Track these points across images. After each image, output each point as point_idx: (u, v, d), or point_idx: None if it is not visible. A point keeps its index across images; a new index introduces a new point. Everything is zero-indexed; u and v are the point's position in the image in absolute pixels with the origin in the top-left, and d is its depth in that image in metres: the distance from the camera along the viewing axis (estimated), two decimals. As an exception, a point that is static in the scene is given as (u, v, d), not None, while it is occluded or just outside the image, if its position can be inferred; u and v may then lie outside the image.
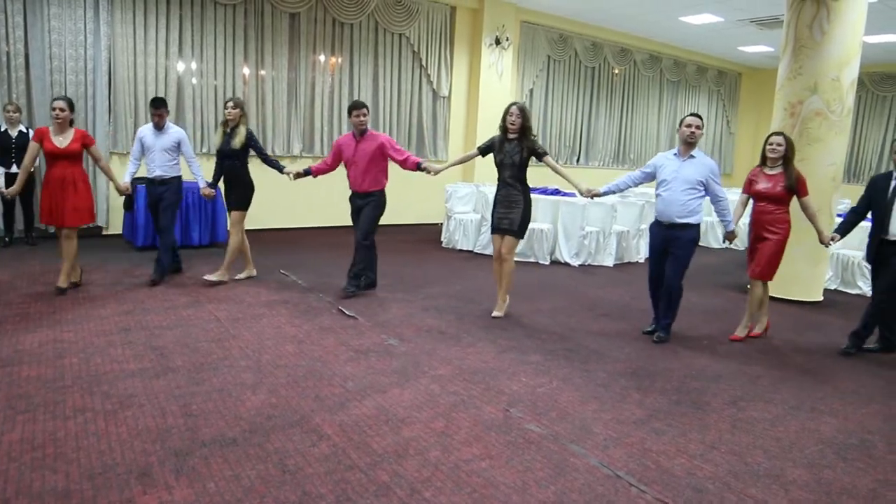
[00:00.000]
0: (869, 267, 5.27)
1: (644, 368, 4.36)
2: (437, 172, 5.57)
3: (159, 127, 5.83)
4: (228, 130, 5.80)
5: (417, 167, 5.60)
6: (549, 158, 5.18)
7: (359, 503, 2.54)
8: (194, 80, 8.53)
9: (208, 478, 2.66)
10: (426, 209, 10.48)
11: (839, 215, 5.17)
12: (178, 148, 5.89)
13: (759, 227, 5.04)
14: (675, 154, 4.88)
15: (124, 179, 5.73)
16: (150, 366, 3.87)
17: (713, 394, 3.97)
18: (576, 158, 12.95)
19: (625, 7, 10.80)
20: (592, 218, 8.13)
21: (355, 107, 5.59)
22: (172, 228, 6.00)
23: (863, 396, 4.10)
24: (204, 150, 8.53)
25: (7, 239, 7.26)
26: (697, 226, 4.81)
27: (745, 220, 5.37)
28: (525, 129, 5.10)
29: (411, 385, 3.80)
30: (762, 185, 5.00)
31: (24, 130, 7.05)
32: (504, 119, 5.15)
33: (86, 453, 2.81)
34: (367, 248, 5.77)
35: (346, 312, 5.24)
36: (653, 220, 5.04)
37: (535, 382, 3.97)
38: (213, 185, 6.02)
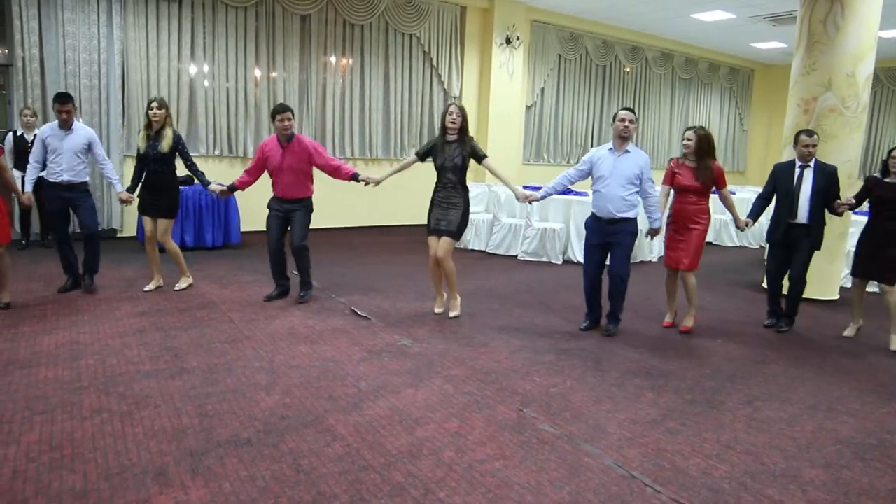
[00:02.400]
0: (767, 246, 5.66)
1: (658, 368, 4.33)
2: (377, 183, 5.35)
3: (66, 125, 5.25)
4: (153, 133, 5.41)
5: (353, 178, 5.36)
6: (488, 161, 5.09)
7: (373, 503, 2.55)
8: (206, 83, 8.59)
9: (223, 478, 2.68)
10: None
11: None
12: (88, 150, 5.36)
13: (683, 218, 5.06)
14: (611, 149, 4.86)
15: (25, 189, 5.26)
16: (166, 367, 3.90)
17: (728, 393, 3.94)
18: (587, 157, 12.91)
19: (636, 4, 10.75)
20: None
21: (279, 111, 5.19)
22: (98, 231, 5.63)
23: (881, 396, 4.05)
24: (216, 153, 8.59)
25: (24, 242, 7.35)
26: (635, 219, 4.87)
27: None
28: (465, 130, 5.01)
29: (425, 385, 3.81)
30: (684, 178, 5.05)
31: (40, 134, 7.11)
32: (443, 119, 5.02)
33: (103, 454, 2.83)
34: (307, 251, 5.47)
35: (359, 313, 5.25)
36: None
37: (549, 382, 3.96)
38: (132, 190, 5.55)
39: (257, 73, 8.97)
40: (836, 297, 6.76)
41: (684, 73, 14.31)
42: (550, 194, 5.18)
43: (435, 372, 4.03)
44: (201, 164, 7.25)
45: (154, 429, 3.09)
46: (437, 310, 5.38)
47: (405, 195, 9.62)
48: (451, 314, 5.31)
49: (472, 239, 8.71)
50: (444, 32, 10.52)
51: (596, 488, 2.75)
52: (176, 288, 5.70)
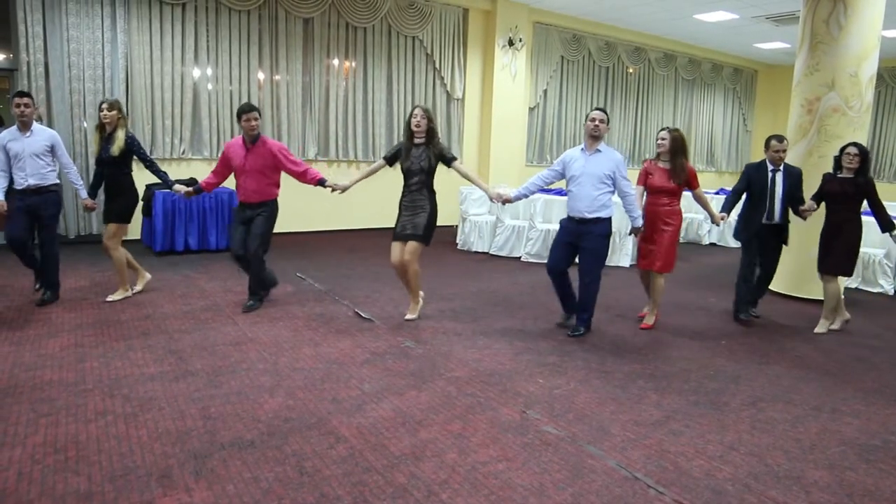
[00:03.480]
0: (738, 243, 5.85)
1: (661, 369, 4.33)
2: (343, 190, 5.26)
3: (24, 127, 4.97)
4: (106, 135, 5.19)
5: (320, 183, 5.22)
6: (458, 164, 5.06)
7: (376, 505, 2.55)
8: (210, 86, 8.62)
9: (227, 480, 2.68)
10: (441, 211, 10.44)
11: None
12: (51, 152, 5.11)
13: (655, 219, 5.13)
14: (582, 149, 4.88)
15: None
16: (170, 369, 3.91)
17: (732, 394, 3.93)
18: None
19: (638, 6, 10.75)
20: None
21: (245, 110, 5.03)
22: (57, 245, 5.30)
23: (886, 397, 4.03)
24: (219, 155, 8.59)
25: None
26: (608, 220, 4.86)
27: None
28: (431, 132, 4.96)
29: (428, 387, 3.81)
30: (656, 179, 5.12)
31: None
32: (408, 123, 4.98)
33: (107, 456, 2.84)
34: (262, 261, 5.26)
35: (362, 315, 5.26)
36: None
37: (552, 384, 3.96)
38: (93, 194, 5.37)
39: (260, 76, 9.00)
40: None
41: (687, 74, 14.29)
42: (525, 195, 5.13)
43: (438, 374, 4.04)
44: (205, 168, 7.30)
45: (158, 431, 3.10)
46: (408, 316, 5.25)
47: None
48: (408, 316, 5.19)
49: (476, 241, 8.71)
50: (446, 35, 10.53)
51: (599, 490, 2.75)
52: (108, 298, 5.39)
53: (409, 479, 2.76)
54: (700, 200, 5.30)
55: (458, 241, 8.98)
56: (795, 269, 6.68)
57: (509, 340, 4.80)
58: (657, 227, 5.12)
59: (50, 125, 7.58)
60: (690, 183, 5.11)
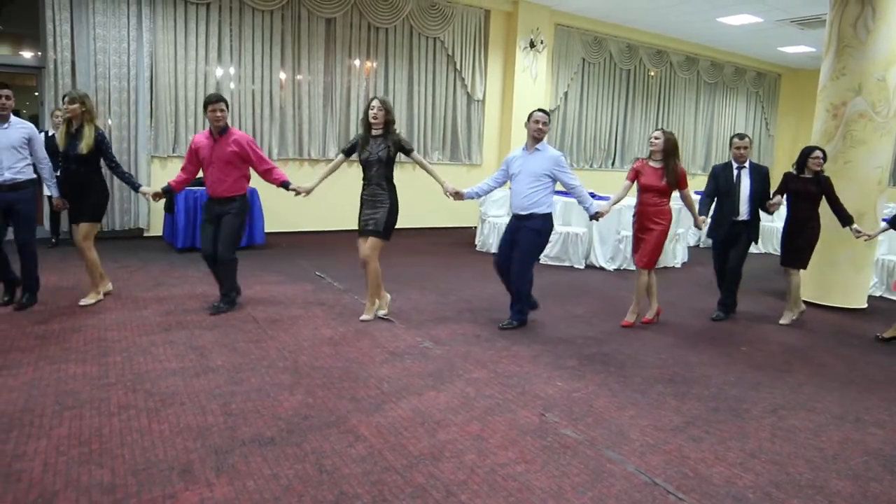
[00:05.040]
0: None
1: (681, 375, 4.29)
2: (308, 192, 5.13)
3: (2, 119, 4.77)
4: (73, 131, 4.95)
5: (284, 185, 5.10)
6: (416, 154, 5.04)
7: (395, 504, 2.56)
8: (232, 85, 8.70)
9: (247, 476, 2.71)
10: (460, 212, 10.47)
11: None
12: (27, 145, 4.88)
13: (645, 217, 5.27)
14: (524, 149, 5.10)
15: None
16: (191, 365, 3.95)
17: (752, 401, 3.89)
18: (611, 162, 12.82)
19: (661, 8, 10.68)
20: (628, 222, 8.02)
21: (211, 101, 4.92)
22: (34, 243, 5.03)
23: (910, 407, 3.97)
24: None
25: (54, 241, 7.49)
26: (544, 216, 4.99)
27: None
28: (389, 124, 4.90)
29: (446, 388, 3.81)
30: (647, 178, 5.23)
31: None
32: (365, 114, 4.92)
33: (130, 449, 2.88)
34: (233, 263, 5.18)
35: (381, 315, 5.27)
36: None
37: (571, 387, 3.95)
38: (62, 192, 5.10)
39: (282, 75, 9.06)
40: (865, 305, 6.64)
41: (709, 78, 14.17)
42: (478, 195, 5.27)
43: (456, 375, 4.04)
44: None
45: (180, 426, 3.13)
46: (381, 312, 5.24)
47: (423, 199, 9.63)
48: (363, 317, 5.13)
49: (495, 242, 8.68)
50: (468, 36, 10.54)
51: (618, 494, 2.73)
52: (81, 303, 5.14)
53: (428, 479, 2.77)
54: (686, 201, 5.43)
55: (476, 243, 8.97)
56: (818, 278, 6.60)
57: (527, 343, 4.79)
58: (646, 226, 5.26)
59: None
60: (679, 184, 5.23)
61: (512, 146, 10.95)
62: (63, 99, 4.92)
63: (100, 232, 8.07)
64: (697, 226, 5.48)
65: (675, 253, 8.49)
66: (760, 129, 15.82)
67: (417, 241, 9.26)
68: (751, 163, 5.67)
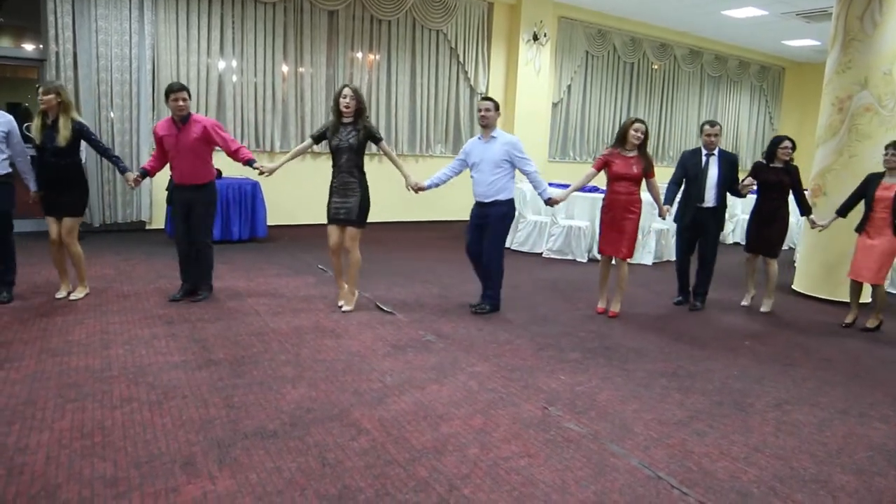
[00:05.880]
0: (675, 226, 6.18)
1: (684, 368, 4.28)
2: (270, 172, 5.06)
3: None
4: (49, 122, 4.77)
5: (249, 163, 5.03)
6: (384, 144, 5.06)
7: (398, 498, 2.55)
8: (235, 78, 8.68)
9: (250, 469, 2.70)
10: (462, 205, 10.41)
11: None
12: (6, 139, 4.80)
13: (618, 207, 5.27)
14: (479, 138, 5.20)
15: None
16: (193, 358, 3.95)
17: (756, 396, 3.88)
18: (614, 155, 12.76)
19: (665, 1, 10.62)
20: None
21: (172, 90, 4.85)
22: (13, 238, 4.98)
23: (915, 401, 3.95)
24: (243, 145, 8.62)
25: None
26: (507, 201, 5.14)
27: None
28: (360, 112, 4.90)
29: (449, 381, 3.80)
30: (620, 167, 5.23)
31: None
32: (336, 102, 4.90)
33: (132, 442, 2.88)
34: (210, 249, 5.22)
35: (384, 308, 5.26)
36: None
37: (574, 381, 3.93)
38: (40, 186, 4.94)
39: (285, 68, 9.03)
40: (870, 300, 6.60)
41: (713, 71, 14.10)
42: (437, 185, 5.33)
43: (459, 368, 4.03)
44: (228, 159, 7.34)
45: (182, 419, 3.13)
46: (340, 303, 5.24)
47: (432, 191, 9.62)
48: (345, 308, 5.15)
49: (497, 236, 8.68)
50: (471, 29, 10.49)
51: (622, 489, 2.72)
52: (71, 298, 5.06)
53: (431, 472, 2.76)
54: (653, 190, 5.45)
55: (478, 236, 8.95)
56: (820, 271, 6.59)
57: (531, 336, 4.78)
58: (621, 216, 5.27)
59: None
60: (649, 171, 5.28)
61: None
62: (37, 90, 4.70)
63: (102, 225, 8.10)
64: (661, 215, 5.51)
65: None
66: (764, 123, 15.75)
67: (420, 235, 9.25)
68: (720, 150, 5.73)
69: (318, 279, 6.19)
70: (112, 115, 7.81)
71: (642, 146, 5.26)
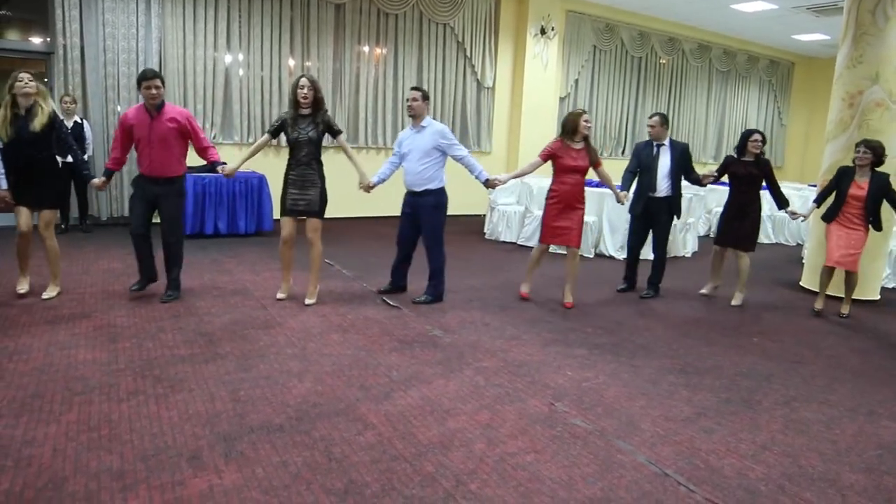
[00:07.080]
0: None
1: (692, 365, 4.26)
2: (231, 173, 4.97)
3: None
4: (23, 112, 4.54)
5: (213, 164, 4.94)
6: (342, 138, 5.03)
7: (404, 493, 2.55)
8: (241, 72, 8.67)
9: (256, 463, 2.70)
10: (469, 200, 10.41)
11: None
12: None
13: (571, 198, 5.32)
14: (411, 128, 5.24)
15: None
16: (200, 352, 3.95)
17: (764, 393, 3.85)
18: (621, 150, 12.69)
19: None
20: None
21: (146, 77, 4.65)
22: None
23: (925, 399, 3.92)
24: (250, 140, 8.63)
25: (63, 226, 7.50)
26: (438, 191, 5.18)
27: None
28: (318, 102, 4.85)
29: (456, 376, 3.79)
30: (570, 159, 5.28)
31: (79, 121, 7.26)
32: (294, 93, 4.82)
33: (139, 435, 2.88)
34: (181, 245, 5.07)
35: (390, 303, 5.26)
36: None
37: (581, 377, 3.92)
38: (8, 182, 4.66)
39: (291, 62, 9.02)
40: (877, 297, 6.57)
41: (722, 66, 14.01)
42: (382, 180, 5.30)
43: (466, 363, 4.02)
44: (235, 153, 7.35)
45: (189, 412, 3.13)
46: (279, 295, 5.20)
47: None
48: (308, 301, 5.09)
49: (504, 231, 8.66)
50: (478, 22, 10.45)
51: (628, 485, 2.71)
52: (44, 296, 4.86)
53: (437, 467, 2.75)
54: (603, 177, 5.51)
55: (486, 231, 8.94)
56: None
57: (537, 332, 4.76)
58: (571, 207, 5.32)
59: (84, 109, 7.69)
60: (596, 162, 5.36)
61: (522, 134, 10.94)
62: (20, 76, 4.51)
63: (109, 218, 8.12)
64: (619, 201, 5.61)
65: (685, 242, 8.43)
66: (773, 118, 15.64)
67: (426, 230, 9.22)
68: (671, 140, 5.86)
69: (325, 274, 6.18)
70: (119, 108, 7.81)
71: (587, 137, 5.33)
